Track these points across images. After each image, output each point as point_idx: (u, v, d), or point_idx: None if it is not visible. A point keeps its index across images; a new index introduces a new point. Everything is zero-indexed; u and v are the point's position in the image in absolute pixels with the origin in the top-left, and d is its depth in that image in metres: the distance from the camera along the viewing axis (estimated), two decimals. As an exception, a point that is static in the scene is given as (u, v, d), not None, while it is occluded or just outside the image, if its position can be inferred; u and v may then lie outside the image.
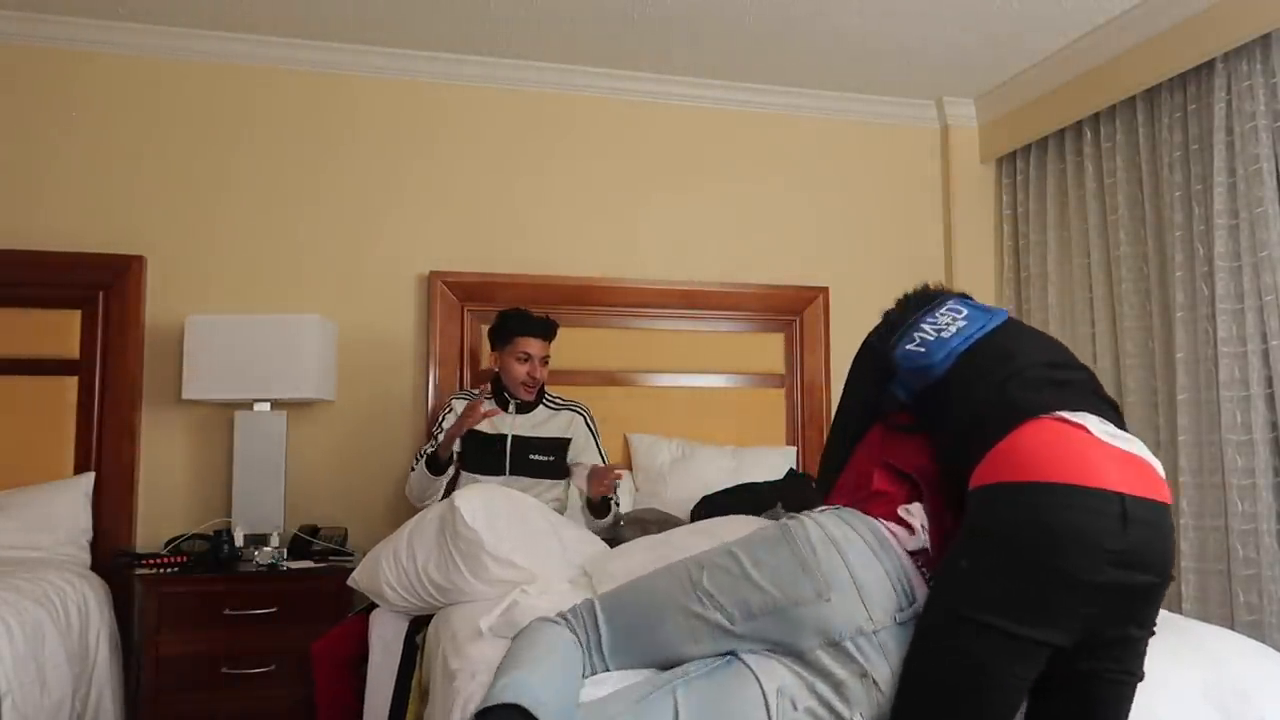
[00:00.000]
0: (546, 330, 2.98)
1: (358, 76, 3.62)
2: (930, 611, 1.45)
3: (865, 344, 1.90)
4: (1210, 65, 3.12)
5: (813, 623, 1.44)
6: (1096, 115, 3.62)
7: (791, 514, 1.62)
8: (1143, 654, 1.47)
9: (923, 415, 1.72)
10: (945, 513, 1.58)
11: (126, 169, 3.42)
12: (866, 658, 1.43)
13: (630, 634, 1.57)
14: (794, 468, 3.66)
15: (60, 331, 3.29)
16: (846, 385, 1.94)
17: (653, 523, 3.13)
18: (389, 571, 2.30)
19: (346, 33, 3.47)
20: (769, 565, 1.50)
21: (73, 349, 3.29)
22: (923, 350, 1.68)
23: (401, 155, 3.66)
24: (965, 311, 1.73)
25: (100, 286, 3.31)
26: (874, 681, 1.42)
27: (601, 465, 2.87)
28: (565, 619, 1.64)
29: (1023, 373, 1.56)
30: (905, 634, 1.46)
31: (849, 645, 1.43)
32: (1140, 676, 1.47)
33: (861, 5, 3.27)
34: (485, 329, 3.27)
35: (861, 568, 1.47)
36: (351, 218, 3.59)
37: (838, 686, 1.43)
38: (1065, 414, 1.47)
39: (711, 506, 3.23)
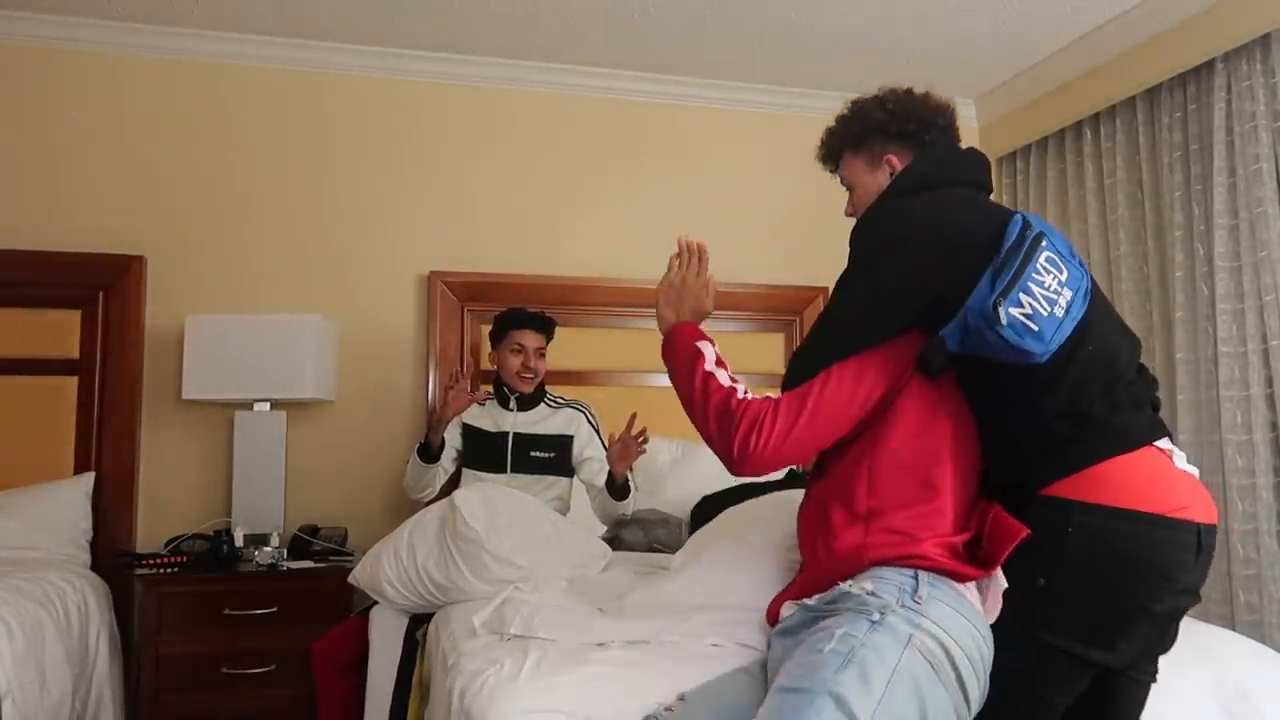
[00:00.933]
0: (538, 324, 2.99)
1: (358, 76, 3.62)
2: (1003, 630, 1.38)
3: (900, 237, 1.47)
4: (1210, 65, 3.12)
5: None
6: (1096, 115, 3.62)
7: (912, 612, 1.32)
8: (1160, 655, 1.48)
9: (966, 371, 1.47)
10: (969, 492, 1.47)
11: (126, 169, 3.42)
12: None
13: None
14: (794, 467, 3.66)
15: (60, 331, 3.29)
16: (856, 291, 1.51)
17: (653, 523, 3.13)
18: (389, 569, 2.31)
19: (346, 33, 3.47)
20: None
21: (73, 349, 3.29)
22: (1035, 330, 1.34)
23: (401, 155, 3.66)
24: (1067, 272, 1.40)
25: (100, 286, 3.31)
26: None
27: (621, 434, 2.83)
28: None
29: (1125, 380, 1.41)
30: None
31: None
32: (1155, 677, 1.48)
33: (861, 5, 3.27)
34: (485, 330, 3.27)
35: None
36: (351, 218, 3.59)
37: None
38: (1158, 444, 1.40)
39: (711, 507, 3.24)
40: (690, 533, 3.09)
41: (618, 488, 2.88)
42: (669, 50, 3.62)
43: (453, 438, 2.99)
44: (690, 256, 1.77)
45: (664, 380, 3.74)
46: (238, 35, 3.46)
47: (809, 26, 3.43)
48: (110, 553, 3.16)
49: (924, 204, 1.54)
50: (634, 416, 2.83)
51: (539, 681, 1.51)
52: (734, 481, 3.32)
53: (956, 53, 3.66)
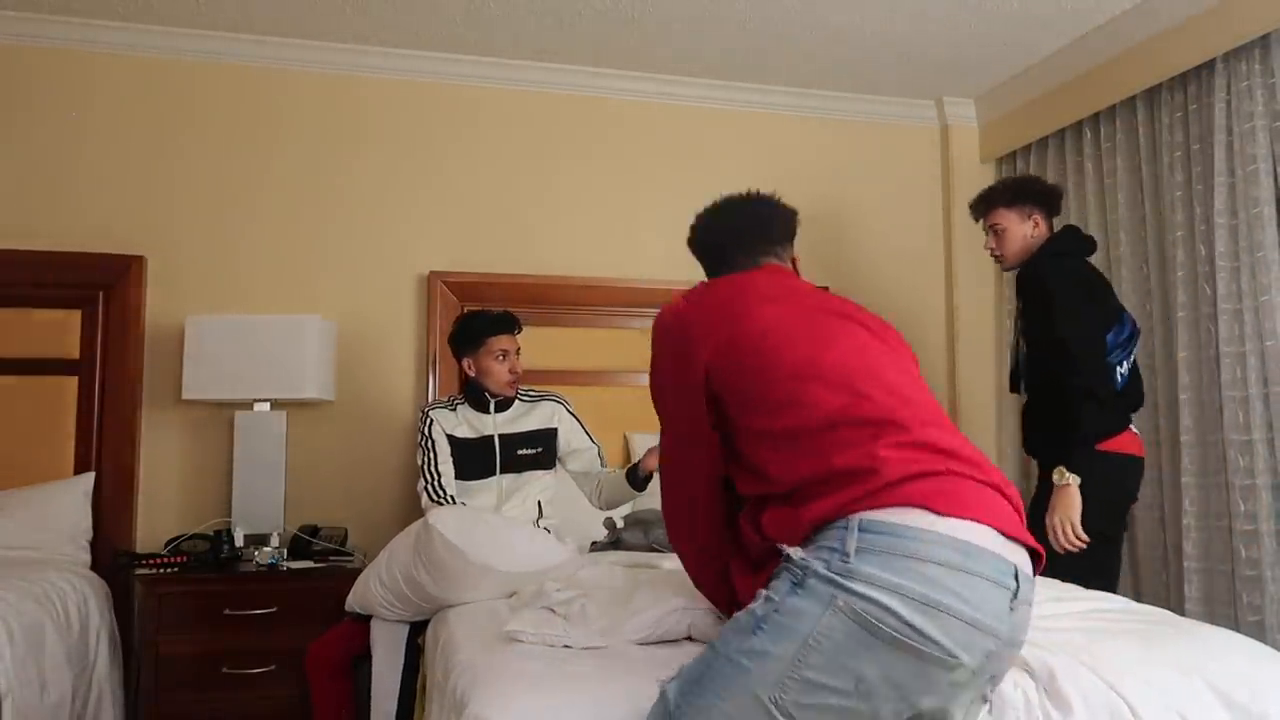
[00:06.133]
0: (514, 325, 2.94)
1: (358, 76, 3.62)
2: None
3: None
4: (1210, 65, 3.12)
5: None
6: (1096, 115, 3.62)
7: (839, 574, 1.25)
8: None
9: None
10: None
11: (127, 169, 3.42)
12: None
13: None
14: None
15: (60, 331, 3.29)
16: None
17: (654, 523, 3.12)
18: (378, 592, 2.34)
19: (346, 33, 3.47)
20: None
21: (73, 349, 3.29)
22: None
23: (402, 155, 3.66)
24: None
25: (100, 286, 3.31)
26: None
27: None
28: None
29: None
30: None
31: None
32: None
33: (861, 5, 3.27)
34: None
35: None
36: (351, 218, 3.59)
37: None
38: None
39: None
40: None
41: (640, 479, 2.84)
42: (669, 50, 3.62)
43: (446, 448, 2.90)
44: None
45: (664, 380, 3.76)
46: (238, 35, 3.46)
47: (808, 26, 3.43)
48: (110, 553, 3.16)
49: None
50: None
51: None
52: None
53: (956, 53, 3.66)
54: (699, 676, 1.25)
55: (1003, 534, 1.26)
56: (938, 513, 1.23)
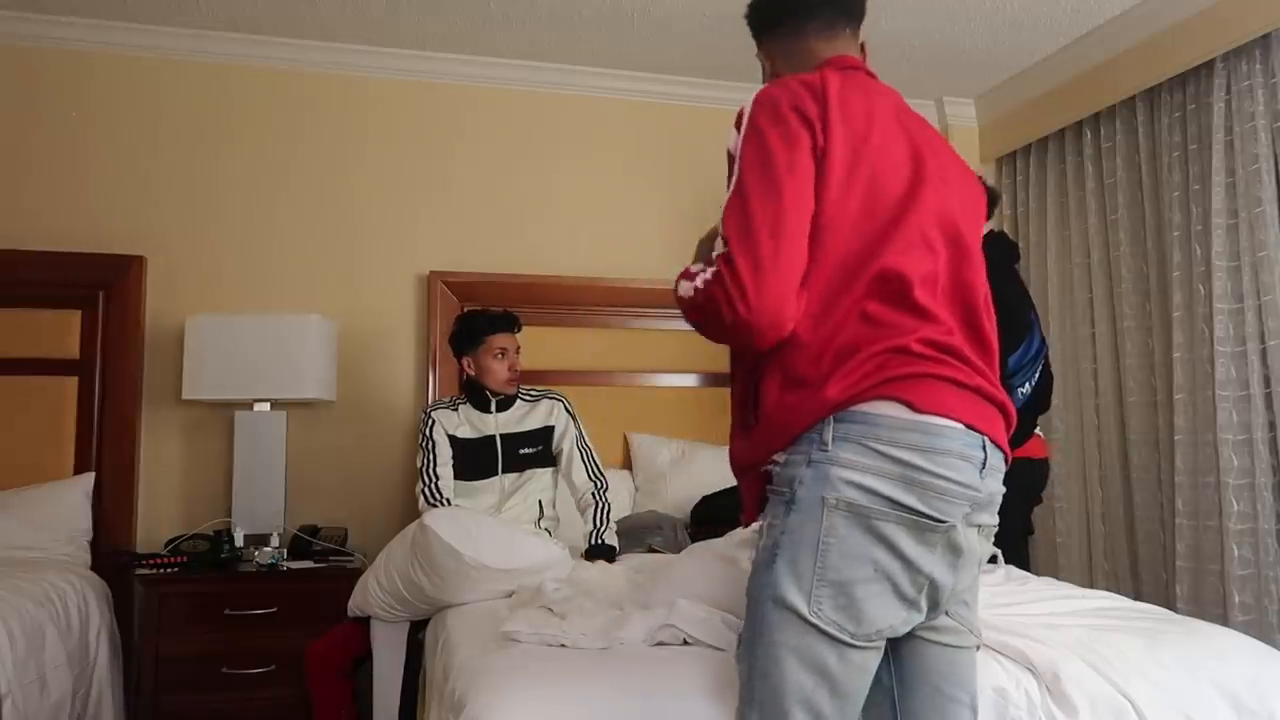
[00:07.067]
0: (513, 323, 2.95)
1: (358, 77, 3.62)
2: None
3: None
4: (1210, 65, 3.12)
5: None
6: (1096, 115, 3.62)
7: (820, 471, 1.30)
8: None
9: None
10: None
11: (126, 169, 3.42)
12: None
13: None
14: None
15: (60, 331, 3.29)
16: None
17: (650, 527, 3.12)
18: (378, 593, 2.35)
19: (347, 33, 3.47)
20: None
21: (73, 349, 3.29)
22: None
23: (402, 155, 3.66)
24: None
25: (100, 286, 3.31)
26: None
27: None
28: None
29: None
30: None
31: None
32: None
33: (861, 5, 3.27)
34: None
35: None
36: (351, 218, 3.59)
37: None
38: None
39: (711, 507, 3.24)
40: (690, 532, 3.09)
41: (603, 550, 2.77)
42: (669, 50, 3.62)
43: (447, 451, 2.91)
44: None
45: (663, 380, 3.77)
46: (237, 35, 3.46)
47: (809, 26, 3.43)
48: (110, 553, 3.16)
49: None
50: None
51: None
52: (733, 481, 3.34)
53: (956, 53, 3.66)
54: (751, 629, 1.31)
55: (970, 427, 1.31)
56: (913, 407, 1.28)
